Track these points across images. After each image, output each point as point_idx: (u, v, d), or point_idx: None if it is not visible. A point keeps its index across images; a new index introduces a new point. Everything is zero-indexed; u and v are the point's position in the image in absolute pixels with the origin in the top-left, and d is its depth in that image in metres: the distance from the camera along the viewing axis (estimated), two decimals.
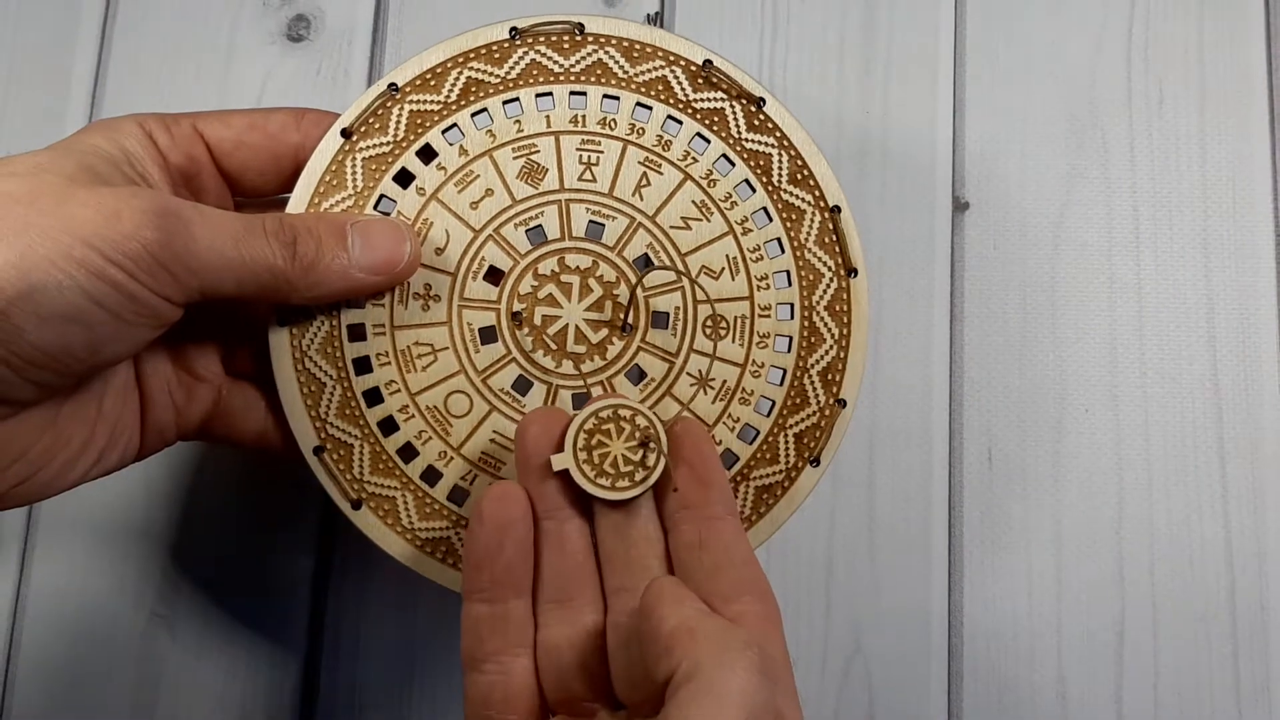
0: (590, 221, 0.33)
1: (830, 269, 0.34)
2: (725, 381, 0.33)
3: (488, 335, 0.33)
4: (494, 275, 0.33)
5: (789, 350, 0.34)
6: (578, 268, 0.33)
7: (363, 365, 0.33)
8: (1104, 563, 0.41)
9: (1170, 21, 0.45)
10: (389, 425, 0.33)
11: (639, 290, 0.33)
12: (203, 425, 0.34)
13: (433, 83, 0.33)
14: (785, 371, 0.34)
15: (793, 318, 0.34)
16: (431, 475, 0.33)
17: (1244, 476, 0.41)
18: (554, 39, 0.33)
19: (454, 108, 0.33)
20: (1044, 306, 0.43)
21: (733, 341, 0.33)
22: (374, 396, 0.33)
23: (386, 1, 0.45)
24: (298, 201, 0.32)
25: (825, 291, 0.34)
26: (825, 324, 0.34)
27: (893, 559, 0.41)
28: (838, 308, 0.34)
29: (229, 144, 0.33)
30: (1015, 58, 0.45)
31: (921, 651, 0.41)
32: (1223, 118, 0.44)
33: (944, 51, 0.45)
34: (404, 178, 0.33)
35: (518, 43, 0.33)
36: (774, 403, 0.34)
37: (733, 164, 0.34)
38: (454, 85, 0.33)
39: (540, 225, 0.33)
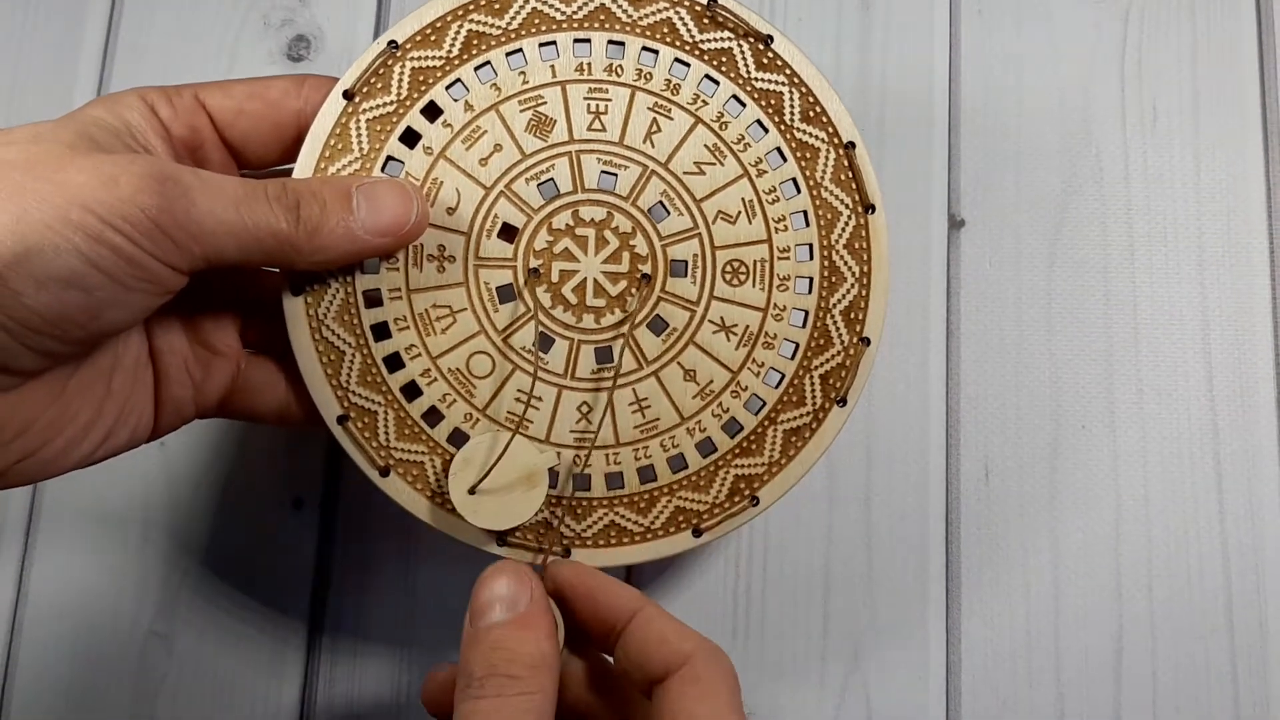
0: (602, 172, 0.33)
1: (848, 206, 0.33)
2: (748, 327, 0.33)
3: (505, 294, 0.32)
4: (508, 232, 0.32)
5: (810, 291, 0.33)
6: (592, 220, 0.33)
7: (381, 331, 0.32)
8: (1102, 580, 0.41)
9: (1163, 39, 0.45)
10: (412, 390, 0.32)
11: (656, 241, 0.33)
12: (222, 401, 0.33)
13: (433, 38, 0.32)
14: (807, 313, 0.33)
15: (812, 258, 0.33)
16: (458, 437, 0.32)
17: (1241, 493, 0.41)
18: None
19: (456, 62, 0.32)
20: (1040, 324, 0.43)
21: (753, 286, 0.33)
22: (395, 362, 0.32)
23: (386, 21, 0.45)
24: (303, 167, 0.32)
25: (844, 230, 0.33)
26: (845, 262, 0.33)
27: (890, 576, 0.41)
28: (857, 245, 0.34)
29: (230, 113, 0.32)
30: (1009, 76, 0.45)
31: (919, 668, 0.41)
32: (1217, 134, 0.44)
33: (939, 71, 0.45)
34: (410, 137, 0.32)
35: None
36: (797, 345, 0.33)
37: (744, 105, 0.33)
38: (455, 39, 0.32)
39: (552, 179, 0.32)
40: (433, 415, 0.32)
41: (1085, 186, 0.43)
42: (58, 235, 0.25)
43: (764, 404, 0.33)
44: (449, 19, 0.32)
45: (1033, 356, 0.43)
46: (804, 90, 0.33)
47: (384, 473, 0.32)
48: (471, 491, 0.31)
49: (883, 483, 0.42)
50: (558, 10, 0.32)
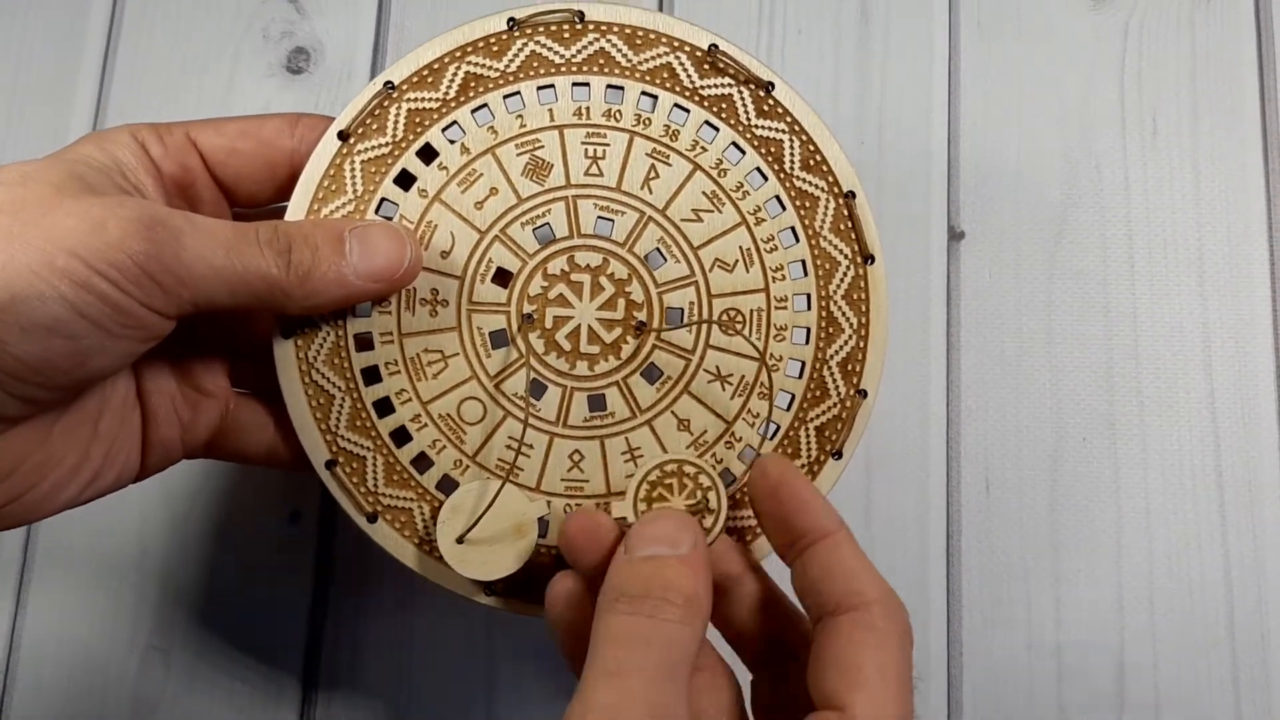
0: (599, 217, 0.32)
1: (847, 257, 0.33)
2: (744, 376, 0.33)
3: (499, 339, 0.32)
4: (502, 277, 0.32)
5: (807, 342, 0.33)
6: (588, 266, 0.32)
7: (372, 375, 0.32)
8: (1103, 593, 0.41)
9: (1162, 50, 0.44)
10: (402, 435, 0.32)
11: (652, 288, 0.32)
12: (210, 442, 0.33)
13: (430, 79, 0.32)
14: (804, 364, 0.33)
15: (810, 308, 0.33)
16: (447, 485, 0.32)
17: (1242, 505, 0.41)
18: (553, 29, 0.32)
19: (453, 104, 0.32)
20: (1040, 335, 0.42)
21: (751, 334, 0.33)
22: (385, 407, 0.32)
23: (385, 34, 0.45)
24: (296, 208, 0.31)
25: (842, 280, 0.33)
26: (843, 313, 0.33)
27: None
28: (855, 296, 0.33)
29: (222, 152, 0.32)
30: (1009, 88, 0.44)
31: (920, 682, 0.40)
32: (1216, 145, 0.44)
33: (938, 81, 0.45)
34: (405, 179, 0.32)
35: (516, 34, 0.32)
36: (794, 396, 0.33)
37: (743, 152, 0.33)
38: (452, 81, 0.32)
39: (548, 224, 0.32)
40: (422, 461, 0.32)
41: (1085, 198, 0.43)
42: (43, 282, 0.25)
43: (759, 455, 0.33)
44: (446, 60, 0.32)
45: (1033, 368, 0.42)
46: (804, 138, 0.33)
47: (371, 519, 0.32)
48: (460, 540, 0.31)
49: (883, 495, 0.42)
50: (556, 54, 0.32)
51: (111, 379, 0.31)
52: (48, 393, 0.27)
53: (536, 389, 0.32)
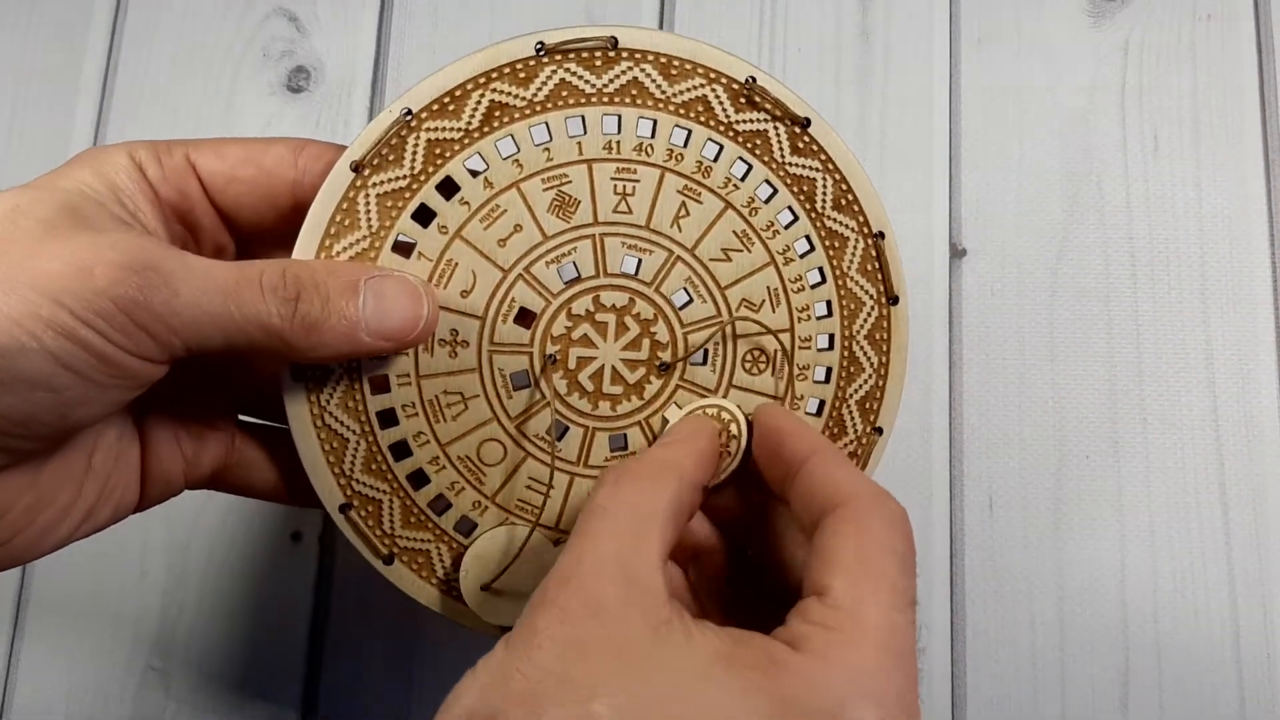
0: (626, 256, 0.31)
1: (872, 297, 0.33)
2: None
3: (520, 379, 0.31)
4: (525, 317, 0.31)
5: (828, 380, 0.33)
6: (613, 306, 0.31)
7: (388, 418, 0.30)
8: (1107, 611, 0.41)
9: (1163, 68, 0.44)
10: (419, 478, 0.31)
11: (677, 328, 0.31)
12: (214, 475, 0.32)
13: (451, 107, 0.29)
14: (824, 402, 0.33)
15: (832, 348, 0.33)
16: (465, 525, 0.31)
17: (1247, 523, 0.41)
18: (584, 55, 0.30)
19: (476, 135, 0.29)
20: (1043, 352, 0.43)
21: (772, 375, 0.32)
22: (402, 449, 0.31)
23: (385, 53, 0.43)
24: (305, 244, 0.29)
25: (866, 320, 0.33)
26: (865, 353, 0.33)
27: None
28: (878, 336, 0.33)
29: (222, 179, 0.29)
30: (1009, 104, 0.44)
31: (924, 701, 0.41)
32: (1218, 162, 0.43)
33: (938, 100, 0.44)
34: (424, 215, 0.30)
35: (544, 60, 0.30)
36: None
37: (775, 190, 0.31)
38: (475, 109, 0.29)
39: (574, 262, 0.31)
40: (439, 502, 0.31)
41: (1087, 215, 0.43)
42: (25, 333, 0.23)
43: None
44: (469, 87, 0.29)
45: (1035, 386, 0.42)
46: (838, 177, 0.32)
47: (388, 560, 0.31)
48: (485, 589, 0.30)
49: None
50: (587, 82, 0.30)
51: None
52: (30, 444, 0.26)
53: (558, 429, 0.31)
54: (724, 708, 0.23)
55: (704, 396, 0.32)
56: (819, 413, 0.33)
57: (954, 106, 0.44)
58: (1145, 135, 0.44)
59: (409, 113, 0.29)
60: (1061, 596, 0.42)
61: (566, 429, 0.31)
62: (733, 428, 0.31)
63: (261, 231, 0.31)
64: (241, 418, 0.33)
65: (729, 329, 0.32)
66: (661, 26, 0.43)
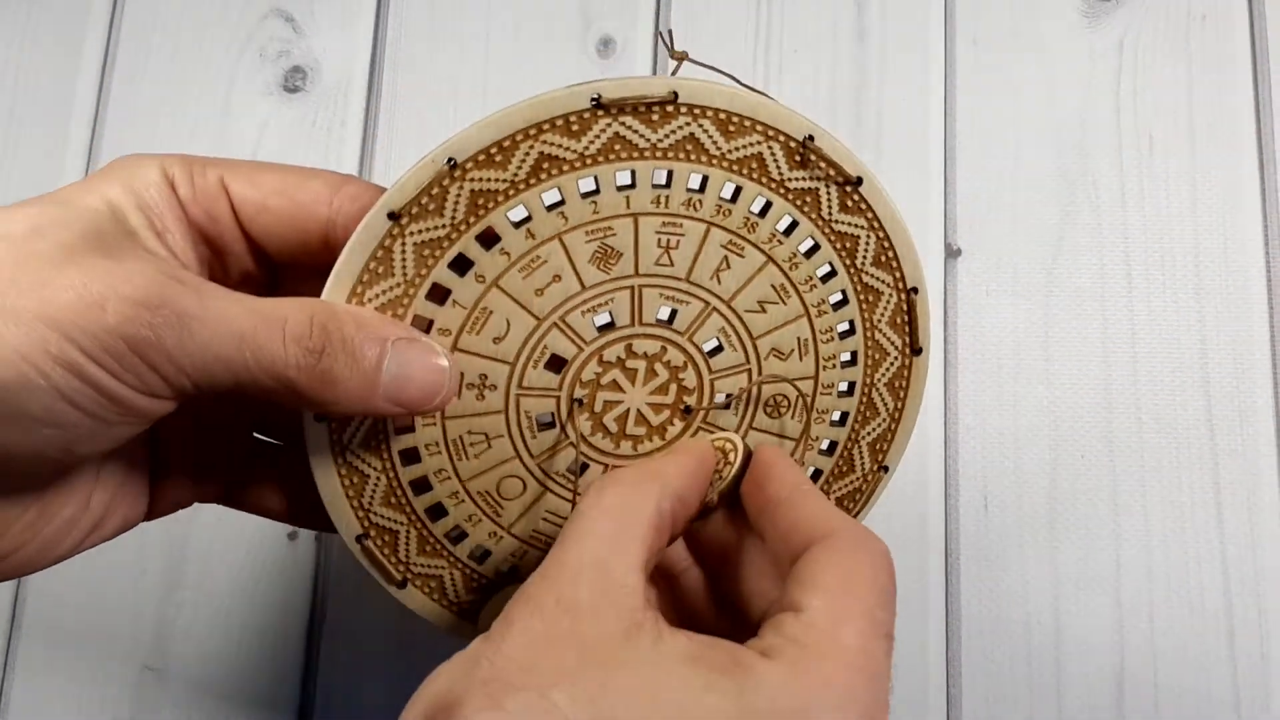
0: (662, 306, 0.30)
1: (897, 348, 0.33)
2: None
3: (545, 421, 0.31)
4: (555, 363, 0.30)
5: (843, 424, 0.33)
6: (645, 354, 0.31)
7: (410, 456, 0.30)
8: (1102, 609, 0.41)
9: (1158, 68, 0.43)
10: (437, 511, 0.31)
11: (705, 374, 0.31)
12: (226, 493, 0.31)
13: (499, 159, 0.27)
14: (837, 443, 0.33)
15: (851, 394, 0.33)
16: (480, 554, 0.32)
17: (1241, 521, 0.41)
18: (641, 110, 0.28)
19: (522, 187, 0.28)
20: (1038, 352, 0.42)
21: (793, 418, 0.33)
22: (422, 485, 0.30)
23: (381, 54, 0.41)
24: (338, 287, 0.27)
25: (888, 370, 0.33)
26: (883, 399, 0.33)
27: None
28: (897, 384, 0.33)
29: (253, 207, 0.27)
30: (1005, 105, 0.42)
31: (919, 700, 0.42)
32: (1212, 162, 0.43)
33: (934, 100, 0.42)
34: (461, 264, 0.28)
35: (600, 114, 0.28)
36: (821, 471, 0.34)
37: (818, 246, 0.31)
38: (523, 161, 0.27)
39: (609, 311, 0.30)
40: (456, 533, 0.31)
41: (1082, 215, 0.43)
42: (32, 369, 0.22)
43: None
44: (519, 138, 0.27)
45: (1030, 385, 0.43)
46: (881, 234, 0.31)
47: (401, 585, 0.31)
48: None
49: (881, 513, 0.42)
50: (642, 137, 0.28)
51: None
52: (34, 476, 0.25)
53: (579, 467, 0.31)
54: (685, 704, 0.23)
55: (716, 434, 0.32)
56: (830, 452, 0.34)
57: (949, 107, 0.43)
58: (1140, 135, 0.43)
59: (453, 163, 0.27)
60: (1057, 595, 0.42)
61: (587, 466, 0.31)
62: (731, 456, 0.31)
63: (288, 259, 0.29)
64: (257, 436, 0.32)
65: (754, 369, 0.32)
66: (657, 26, 0.40)
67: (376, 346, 0.26)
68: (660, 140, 0.28)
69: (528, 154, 0.27)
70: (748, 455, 0.30)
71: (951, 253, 0.43)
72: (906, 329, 0.33)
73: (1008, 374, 0.43)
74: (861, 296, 0.32)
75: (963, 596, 0.43)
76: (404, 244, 0.27)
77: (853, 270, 0.31)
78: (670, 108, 0.28)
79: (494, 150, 0.27)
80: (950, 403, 0.43)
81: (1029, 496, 0.43)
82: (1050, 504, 0.43)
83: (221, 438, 0.31)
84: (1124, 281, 0.43)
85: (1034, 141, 0.43)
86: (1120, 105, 0.43)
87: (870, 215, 0.31)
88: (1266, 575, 0.42)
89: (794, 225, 0.30)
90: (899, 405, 0.34)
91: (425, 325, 0.28)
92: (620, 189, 0.29)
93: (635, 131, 0.28)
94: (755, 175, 0.29)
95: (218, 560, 0.41)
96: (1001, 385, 0.43)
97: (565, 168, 0.28)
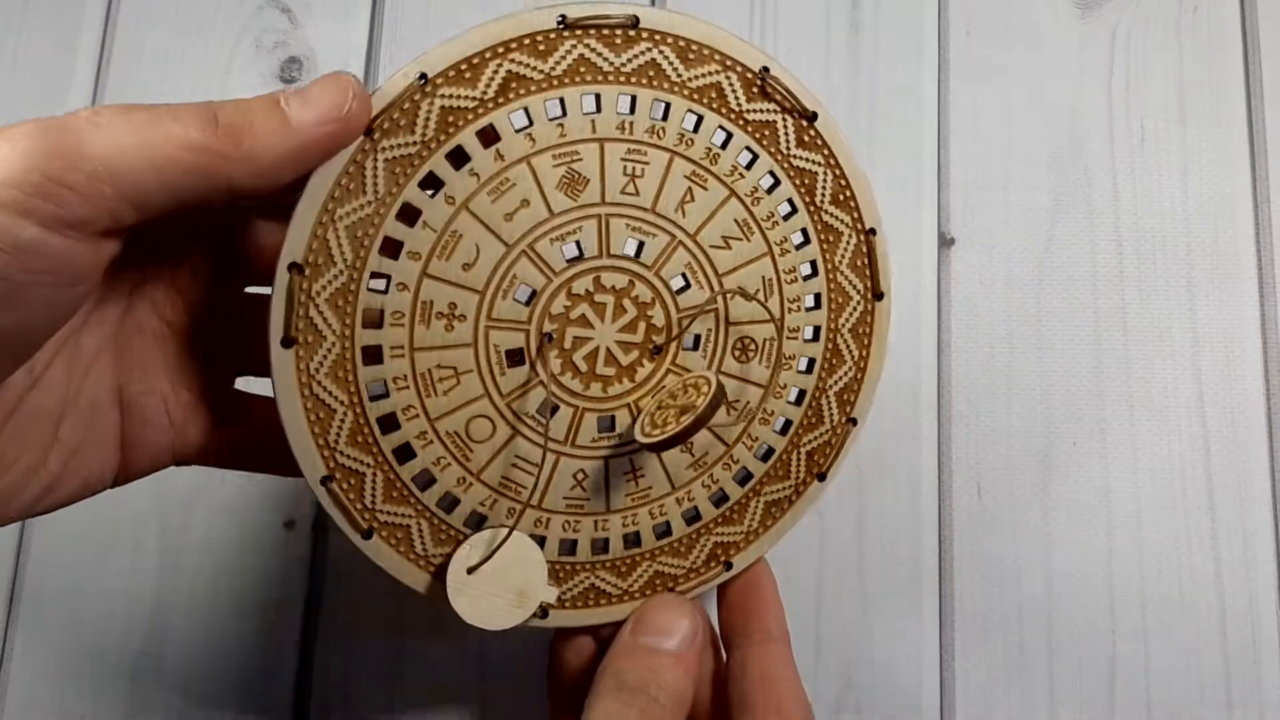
0: (629, 239, 0.31)
1: (859, 292, 0.33)
2: (749, 403, 0.33)
3: (514, 357, 0.30)
4: (525, 294, 0.30)
5: (810, 371, 0.33)
6: (613, 287, 0.31)
7: (378, 390, 0.29)
8: (1094, 597, 0.41)
9: (1150, 57, 0.45)
10: (405, 452, 0.30)
11: (673, 313, 0.31)
12: (203, 449, 0.30)
13: (468, 75, 0.28)
14: (804, 391, 0.33)
15: (817, 339, 0.33)
16: (448, 501, 0.31)
17: (1233, 509, 0.42)
18: (605, 33, 0.29)
19: (490, 105, 0.29)
20: (1030, 341, 0.43)
21: (760, 363, 0.33)
22: (389, 423, 0.30)
23: (378, 44, 0.43)
24: (309, 205, 0.27)
25: (851, 314, 0.33)
26: (847, 346, 0.34)
27: (883, 595, 0.42)
28: (861, 330, 0.34)
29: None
30: (998, 95, 0.44)
31: (913, 687, 0.41)
32: (1204, 152, 0.44)
33: (927, 91, 0.44)
34: (431, 182, 0.29)
35: (565, 34, 0.29)
36: (791, 422, 0.34)
37: (778, 181, 0.32)
38: (492, 79, 0.28)
39: (577, 241, 0.30)
40: (424, 478, 0.30)
41: (1074, 205, 0.44)
42: None
43: (751, 476, 0.34)
44: (487, 55, 0.28)
45: (1023, 374, 0.43)
46: (838, 173, 0.32)
47: (366, 535, 0.30)
48: (471, 571, 0.30)
49: (875, 501, 0.42)
50: (606, 60, 0.29)
51: (78, 377, 0.27)
52: None
53: (550, 408, 0.31)
54: None
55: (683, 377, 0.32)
56: (798, 402, 0.34)
57: (942, 97, 0.44)
58: (1132, 125, 0.45)
59: (424, 78, 0.28)
60: (1049, 583, 0.42)
61: (557, 408, 0.31)
62: (704, 388, 0.30)
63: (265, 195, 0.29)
64: (238, 389, 0.31)
65: (722, 310, 0.32)
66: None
67: (269, 99, 0.26)
68: (624, 64, 0.29)
69: (496, 71, 0.28)
70: (719, 389, 0.30)
71: (945, 242, 0.44)
72: (868, 272, 0.33)
73: (1000, 362, 0.43)
74: (822, 236, 0.32)
75: (955, 583, 0.42)
76: (375, 160, 0.28)
77: (812, 208, 0.32)
78: (633, 32, 0.29)
79: (464, 66, 0.28)
80: (943, 390, 0.43)
81: (1022, 484, 0.43)
82: (1043, 491, 0.43)
83: (200, 384, 0.30)
84: (1116, 270, 0.44)
85: (1027, 132, 0.44)
86: (1112, 95, 0.45)
87: (826, 152, 0.32)
88: (1257, 562, 0.42)
89: (755, 159, 0.31)
90: (864, 353, 0.34)
91: (395, 248, 0.28)
92: (586, 113, 0.29)
93: (600, 55, 0.29)
94: (715, 105, 0.31)
95: (214, 549, 0.40)
96: (994, 373, 0.43)
97: (533, 88, 0.29)
